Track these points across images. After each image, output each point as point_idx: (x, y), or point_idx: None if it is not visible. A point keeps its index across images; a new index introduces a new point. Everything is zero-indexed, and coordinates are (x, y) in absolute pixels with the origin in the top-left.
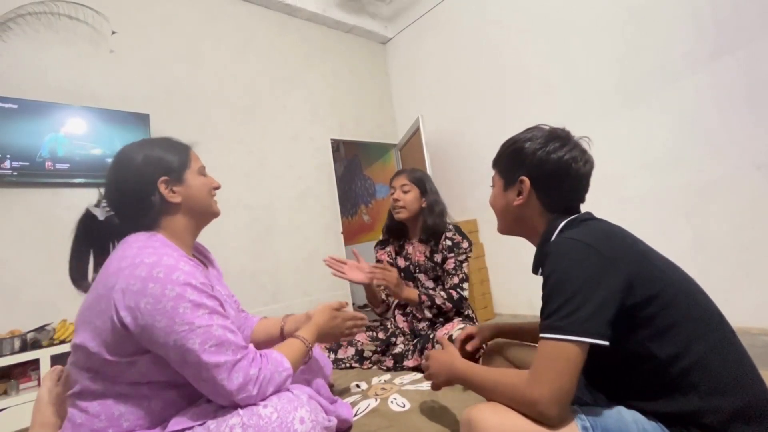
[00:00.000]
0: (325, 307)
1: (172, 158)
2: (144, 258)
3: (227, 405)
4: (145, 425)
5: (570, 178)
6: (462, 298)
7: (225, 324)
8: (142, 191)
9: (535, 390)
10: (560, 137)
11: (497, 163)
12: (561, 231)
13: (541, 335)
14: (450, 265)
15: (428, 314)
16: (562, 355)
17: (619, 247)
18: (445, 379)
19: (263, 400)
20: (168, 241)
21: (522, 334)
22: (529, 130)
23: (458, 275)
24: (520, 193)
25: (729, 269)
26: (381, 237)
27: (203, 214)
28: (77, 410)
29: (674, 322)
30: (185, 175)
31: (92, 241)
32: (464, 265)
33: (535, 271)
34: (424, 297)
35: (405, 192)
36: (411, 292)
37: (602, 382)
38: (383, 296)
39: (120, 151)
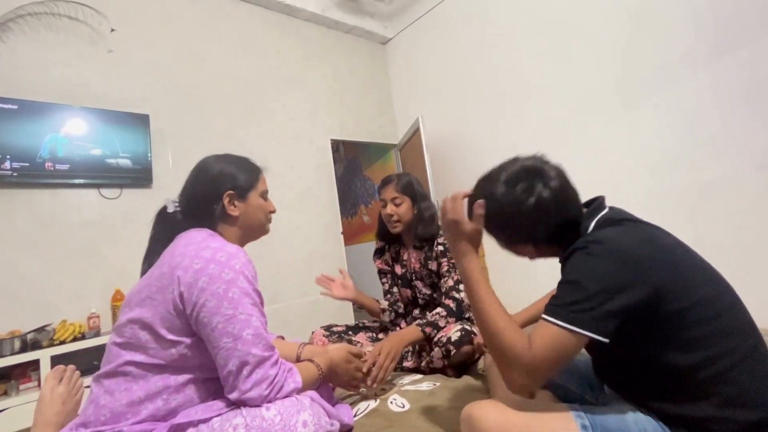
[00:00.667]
0: (343, 347)
1: (243, 177)
2: (210, 243)
3: (235, 400)
4: (158, 417)
5: (557, 212)
6: (460, 302)
7: (262, 319)
8: (209, 198)
9: (534, 364)
10: (520, 179)
11: (489, 232)
12: (594, 228)
13: (549, 318)
14: (444, 267)
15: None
16: (565, 343)
17: (656, 256)
18: (452, 235)
19: (267, 401)
20: (233, 245)
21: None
22: (485, 193)
23: (452, 277)
24: (530, 256)
25: (730, 269)
26: (376, 243)
27: (254, 230)
28: (103, 391)
29: (703, 336)
30: (249, 194)
31: (164, 231)
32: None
33: (561, 260)
34: (428, 329)
35: (397, 205)
36: (413, 334)
37: (614, 377)
38: (385, 305)
39: (204, 158)
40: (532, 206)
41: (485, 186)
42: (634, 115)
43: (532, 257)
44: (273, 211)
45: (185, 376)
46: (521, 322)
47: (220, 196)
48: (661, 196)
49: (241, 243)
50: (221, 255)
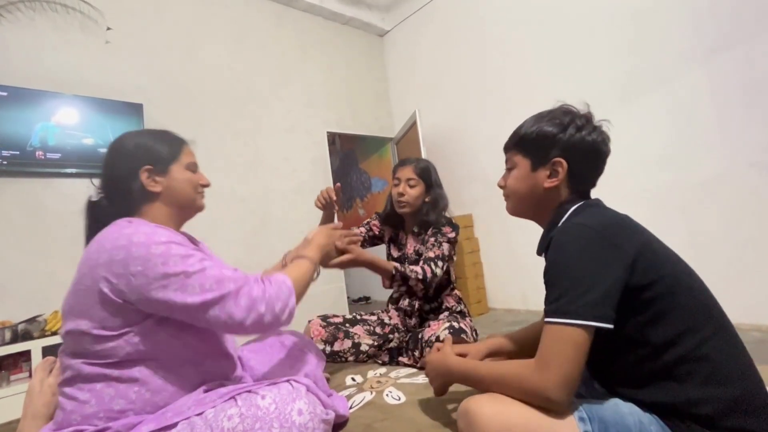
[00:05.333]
0: (320, 228)
1: (161, 149)
2: (123, 231)
3: (244, 334)
4: (137, 409)
5: (599, 161)
6: (434, 276)
7: (218, 264)
8: (124, 177)
9: (544, 377)
10: (590, 119)
11: (522, 143)
12: (570, 216)
13: (548, 320)
14: (430, 242)
15: (401, 289)
16: (570, 340)
17: (626, 232)
18: (443, 381)
19: (276, 322)
20: (146, 221)
21: (521, 343)
22: (555, 111)
23: (434, 251)
24: (551, 175)
25: (722, 266)
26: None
27: (184, 206)
28: (66, 398)
29: (671, 309)
30: (171, 167)
31: (95, 224)
32: (444, 245)
33: (539, 252)
34: (398, 273)
35: (411, 186)
36: (387, 264)
37: (597, 366)
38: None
39: (117, 137)
40: (589, 135)
41: (543, 115)
42: (630, 112)
43: (549, 186)
44: (205, 185)
45: (151, 363)
46: (511, 344)
47: (136, 172)
48: (655, 192)
49: (176, 222)
50: (138, 237)
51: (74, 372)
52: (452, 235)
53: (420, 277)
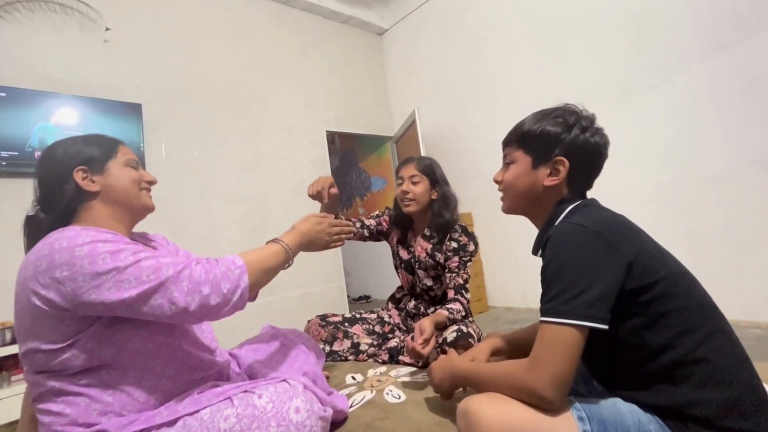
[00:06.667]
0: (309, 215)
1: (94, 150)
2: (45, 241)
3: (193, 321)
4: (117, 410)
5: (599, 163)
6: (468, 302)
7: (154, 254)
8: (56, 181)
9: (535, 375)
10: (594, 121)
11: (524, 139)
12: (566, 216)
13: (542, 319)
14: (454, 263)
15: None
16: (562, 340)
17: (623, 234)
18: (449, 384)
19: (225, 304)
20: (78, 226)
21: (521, 343)
22: (560, 110)
23: (462, 276)
24: (551, 173)
25: (721, 264)
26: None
27: (128, 205)
28: (41, 414)
29: (667, 312)
30: (107, 165)
31: (31, 239)
32: (468, 265)
33: (535, 252)
34: (449, 319)
35: (414, 183)
36: (440, 317)
37: (597, 367)
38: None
39: (46, 146)
40: (592, 137)
41: (547, 113)
42: (628, 111)
43: (549, 184)
44: (151, 181)
45: (111, 370)
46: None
47: (68, 174)
48: (654, 191)
49: (124, 224)
50: (60, 243)
51: (42, 388)
52: (472, 248)
53: (463, 313)
